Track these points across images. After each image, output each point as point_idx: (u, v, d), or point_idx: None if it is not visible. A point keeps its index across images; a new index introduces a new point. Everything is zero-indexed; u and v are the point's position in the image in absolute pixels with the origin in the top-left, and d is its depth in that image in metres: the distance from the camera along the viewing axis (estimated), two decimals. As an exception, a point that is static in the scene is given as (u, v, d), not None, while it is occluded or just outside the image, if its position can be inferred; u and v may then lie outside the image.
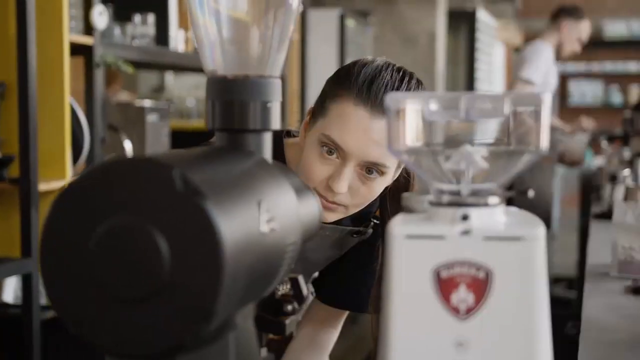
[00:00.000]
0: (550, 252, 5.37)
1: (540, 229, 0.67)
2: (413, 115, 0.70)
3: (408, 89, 1.31)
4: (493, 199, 0.70)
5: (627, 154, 3.92)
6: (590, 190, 4.27)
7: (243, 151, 0.77)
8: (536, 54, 4.45)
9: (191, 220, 0.60)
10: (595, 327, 1.44)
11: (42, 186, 2.39)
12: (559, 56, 4.61)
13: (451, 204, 0.69)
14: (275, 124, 0.81)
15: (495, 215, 0.69)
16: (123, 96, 4.84)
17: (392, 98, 0.70)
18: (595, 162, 6.23)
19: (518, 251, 0.66)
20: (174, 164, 0.61)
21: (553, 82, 4.63)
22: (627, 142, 4.05)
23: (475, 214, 0.68)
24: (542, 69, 4.45)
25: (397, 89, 1.29)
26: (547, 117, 0.67)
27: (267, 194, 0.70)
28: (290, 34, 0.84)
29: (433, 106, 0.69)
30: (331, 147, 1.27)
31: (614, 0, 9.80)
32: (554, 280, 5.41)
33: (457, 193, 0.70)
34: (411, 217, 0.72)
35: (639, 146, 3.85)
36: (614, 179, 3.10)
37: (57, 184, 2.47)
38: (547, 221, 4.43)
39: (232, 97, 0.79)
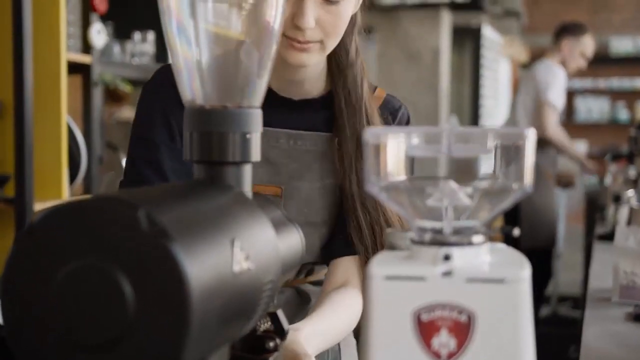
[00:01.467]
0: (555, 270, 5.33)
1: (525, 271, 0.64)
2: (393, 150, 0.67)
3: None
4: (477, 238, 0.67)
5: (632, 172, 3.88)
6: (594, 209, 4.23)
7: (221, 185, 0.75)
8: (556, 77, 4.45)
9: (157, 263, 0.57)
10: (595, 356, 1.41)
11: (38, 206, 2.37)
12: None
13: (433, 243, 0.66)
14: (256, 155, 0.78)
15: (479, 255, 0.66)
16: (126, 112, 4.83)
17: (371, 132, 0.67)
18: (592, 180, 6.21)
19: (502, 294, 0.63)
20: (140, 203, 0.59)
21: (563, 103, 4.63)
22: (633, 161, 4.02)
23: (458, 253, 0.65)
24: (563, 95, 4.47)
25: None
26: (531, 153, 0.65)
27: (242, 232, 0.68)
28: (272, 61, 0.82)
29: (414, 141, 0.66)
30: None
31: (620, 16, 9.78)
32: (559, 300, 5.36)
33: (439, 231, 0.67)
34: (392, 255, 0.69)
35: (643, 165, 3.82)
36: (618, 199, 3.06)
37: (53, 204, 2.45)
38: (551, 237, 4.39)
39: (211, 128, 0.76)
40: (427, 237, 0.67)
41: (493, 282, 0.63)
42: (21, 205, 2.30)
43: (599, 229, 3.13)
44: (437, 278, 0.64)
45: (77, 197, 0.59)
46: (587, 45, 4.58)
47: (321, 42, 1.25)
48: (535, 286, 4.41)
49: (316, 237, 1.36)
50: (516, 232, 0.65)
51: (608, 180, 5.20)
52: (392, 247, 0.73)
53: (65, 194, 2.50)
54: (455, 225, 0.67)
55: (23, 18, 2.33)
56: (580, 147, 10.06)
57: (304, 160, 1.34)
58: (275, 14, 0.82)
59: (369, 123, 1.34)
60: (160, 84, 1.36)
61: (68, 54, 2.54)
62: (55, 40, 2.46)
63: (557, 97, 4.43)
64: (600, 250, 2.65)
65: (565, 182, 4.88)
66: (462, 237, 0.67)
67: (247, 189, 0.78)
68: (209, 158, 0.76)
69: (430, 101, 5.47)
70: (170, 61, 0.82)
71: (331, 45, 1.28)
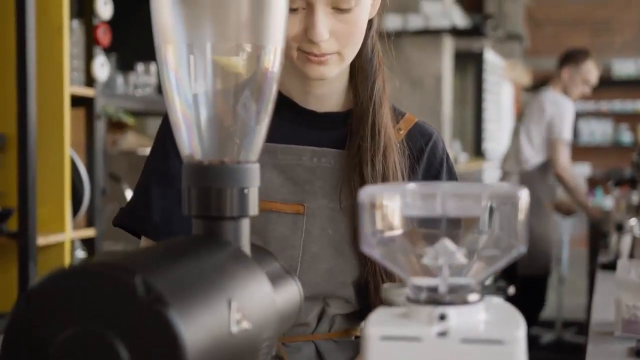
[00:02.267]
0: (560, 295, 5.32)
1: (521, 330, 0.65)
2: (387, 209, 0.67)
3: None
4: (472, 296, 0.67)
5: (635, 198, 3.88)
6: (598, 236, 4.22)
7: (219, 241, 0.75)
8: (567, 112, 4.46)
9: (154, 329, 0.57)
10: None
11: (41, 240, 2.38)
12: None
13: (429, 302, 0.67)
14: (254, 209, 0.79)
15: (474, 314, 0.67)
16: (130, 138, 4.84)
17: (365, 192, 0.68)
18: (605, 202, 6.19)
19: (497, 355, 0.64)
20: (137, 268, 0.59)
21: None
22: (636, 186, 4.01)
23: (453, 312, 0.66)
24: (572, 126, 4.49)
25: None
26: (524, 212, 0.65)
27: (239, 291, 0.68)
28: (269, 115, 0.83)
29: (409, 201, 0.67)
30: (291, 0, 1.15)
31: (621, 39, 9.81)
32: (564, 325, 5.34)
33: (434, 289, 0.68)
34: (388, 313, 0.70)
35: (646, 192, 3.82)
36: (620, 228, 3.06)
37: (56, 238, 2.46)
38: (547, 265, 4.37)
39: (209, 184, 0.77)
40: (423, 295, 0.68)
41: (488, 343, 0.64)
42: (24, 240, 2.31)
43: (602, 257, 3.12)
44: (432, 338, 0.64)
45: (75, 264, 0.60)
46: (589, 72, 4.58)
47: (338, 53, 1.19)
48: (530, 312, 4.39)
49: (342, 262, 1.25)
50: (511, 290, 0.65)
51: (608, 202, 5.19)
52: (389, 303, 0.73)
53: (68, 228, 2.51)
54: (451, 283, 0.68)
55: (27, 51, 2.34)
56: (584, 169, 10.07)
57: (328, 178, 1.27)
58: (274, 59, 0.82)
59: (385, 144, 1.26)
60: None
61: (71, 87, 2.56)
62: (59, 73, 2.48)
63: (569, 133, 4.46)
64: (603, 280, 2.65)
65: (565, 211, 4.87)
66: (457, 295, 0.67)
67: (245, 242, 0.78)
68: (207, 213, 0.77)
69: (432, 126, 5.47)
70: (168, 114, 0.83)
71: (350, 54, 1.22)
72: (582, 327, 5.09)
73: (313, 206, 1.25)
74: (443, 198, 0.66)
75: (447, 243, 0.68)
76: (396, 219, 0.68)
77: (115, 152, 3.26)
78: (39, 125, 2.40)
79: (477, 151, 7.25)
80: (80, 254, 3.04)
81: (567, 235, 5.61)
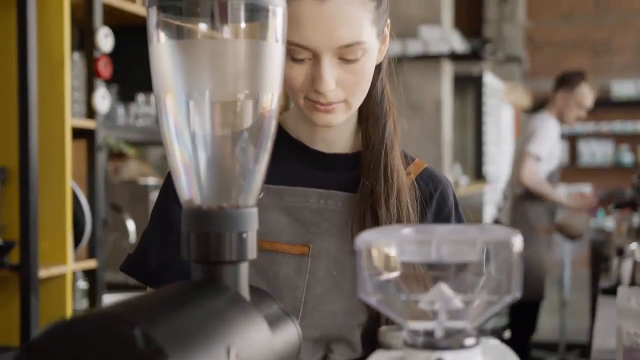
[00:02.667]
0: (562, 317, 5.31)
1: (517, 374, 0.66)
2: (383, 255, 0.68)
3: None
4: (469, 341, 0.68)
5: (636, 220, 3.88)
6: (599, 258, 4.22)
7: (218, 286, 0.76)
8: (543, 129, 4.47)
9: (153, 380, 0.58)
10: None
11: (43, 272, 2.38)
12: (563, 122, 4.62)
13: (425, 347, 0.68)
14: (252, 253, 0.80)
15: (471, 358, 0.67)
16: (132, 166, 4.85)
17: (361, 239, 0.69)
18: (607, 223, 6.19)
19: (493, 399, 0.64)
20: (136, 319, 0.60)
21: (557, 156, 4.62)
22: (636, 208, 4.02)
23: (450, 357, 0.67)
24: (548, 144, 4.46)
25: None
26: (517, 260, 0.66)
27: (238, 337, 0.69)
28: (267, 158, 0.84)
29: (405, 247, 0.68)
30: (297, 51, 1.16)
31: (621, 60, 9.86)
32: (567, 348, 5.33)
33: (431, 333, 0.69)
34: (386, 356, 0.71)
35: (646, 215, 3.82)
36: (621, 252, 3.06)
37: (57, 270, 2.46)
38: (539, 291, 4.35)
39: (208, 229, 0.78)
40: (420, 340, 0.68)
41: (484, 388, 0.64)
42: (26, 273, 2.32)
43: (604, 282, 3.12)
44: (429, 383, 0.65)
45: (76, 315, 0.61)
46: (583, 95, 4.58)
47: (345, 101, 1.20)
48: (521, 337, 4.37)
49: (347, 305, 1.24)
50: (507, 334, 0.66)
51: (610, 223, 5.19)
52: (387, 346, 0.74)
53: (70, 260, 2.51)
54: (447, 327, 0.69)
55: (29, 84, 2.36)
56: (585, 190, 10.09)
57: (335, 220, 1.27)
58: (271, 104, 0.83)
59: (399, 187, 1.27)
60: None
61: (73, 119, 2.57)
62: (60, 106, 2.50)
63: (540, 148, 4.43)
64: (604, 306, 2.65)
65: (570, 235, 4.80)
66: (454, 340, 0.68)
67: (244, 286, 0.79)
68: (206, 258, 0.78)
69: (433, 151, 5.51)
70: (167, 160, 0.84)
71: (356, 102, 1.23)
72: (585, 349, 5.08)
73: (319, 247, 1.25)
74: (438, 244, 0.67)
75: (444, 288, 0.69)
76: (392, 265, 0.69)
77: (117, 181, 3.27)
78: (41, 157, 2.41)
79: (478, 174, 7.26)
80: (82, 284, 3.05)
81: (569, 257, 5.60)
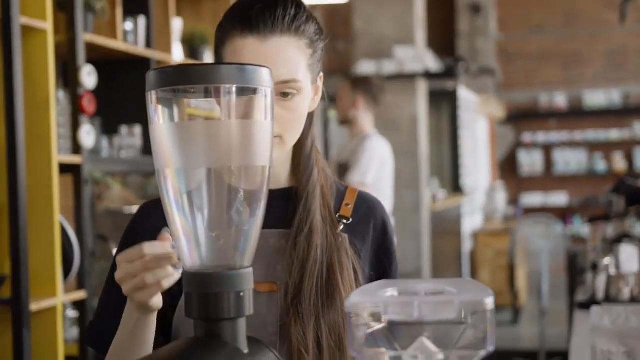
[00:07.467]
0: (542, 327, 5.41)
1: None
2: (369, 316, 0.76)
3: (284, 8, 1.24)
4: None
5: (610, 230, 3.98)
6: (575, 271, 4.32)
7: (218, 343, 0.84)
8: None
9: None
10: None
11: (34, 306, 2.44)
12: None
13: (409, 398, 0.75)
14: (249, 309, 0.88)
15: (450, 407, 0.75)
16: (115, 192, 4.88)
17: (351, 303, 0.76)
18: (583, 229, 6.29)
19: None
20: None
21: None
22: (610, 220, 4.12)
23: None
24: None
25: (274, 9, 1.24)
26: (491, 317, 0.74)
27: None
28: (260, 223, 0.92)
29: (389, 309, 0.76)
30: None
31: (592, 70, 10.03)
32: (548, 355, 5.42)
33: (414, 384, 0.76)
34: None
35: (620, 229, 3.93)
36: (595, 267, 3.16)
37: (48, 303, 2.52)
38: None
39: (207, 290, 0.86)
40: (404, 392, 0.76)
41: None
42: (18, 307, 2.37)
43: (580, 295, 3.21)
44: None
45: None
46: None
47: (280, 137, 1.25)
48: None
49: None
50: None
51: (585, 230, 5.28)
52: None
53: (60, 292, 2.57)
54: (429, 378, 0.76)
55: (16, 122, 2.42)
56: (561, 198, 10.26)
57: (273, 258, 1.29)
58: (262, 177, 0.91)
59: (330, 220, 1.32)
60: (139, 224, 1.39)
61: (59, 155, 2.63)
62: (47, 143, 2.56)
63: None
64: (580, 322, 2.73)
65: None
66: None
67: (242, 340, 0.87)
68: (207, 316, 0.86)
69: (410, 167, 5.60)
70: (168, 225, 0.91)
71: (291, 140, 1.28)
72: (565, 356, 5.16)
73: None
74: (419, 307, 0.75)
75: (426, 342, 0.77)
76: (377, 324, 0.77)
77: (102, 210, 3.33)
78: (29, 193, 2.47)
79: (455, 187, 7.37)
80: (72, 313, 3.10)
81: (547, 266, 5.71)
